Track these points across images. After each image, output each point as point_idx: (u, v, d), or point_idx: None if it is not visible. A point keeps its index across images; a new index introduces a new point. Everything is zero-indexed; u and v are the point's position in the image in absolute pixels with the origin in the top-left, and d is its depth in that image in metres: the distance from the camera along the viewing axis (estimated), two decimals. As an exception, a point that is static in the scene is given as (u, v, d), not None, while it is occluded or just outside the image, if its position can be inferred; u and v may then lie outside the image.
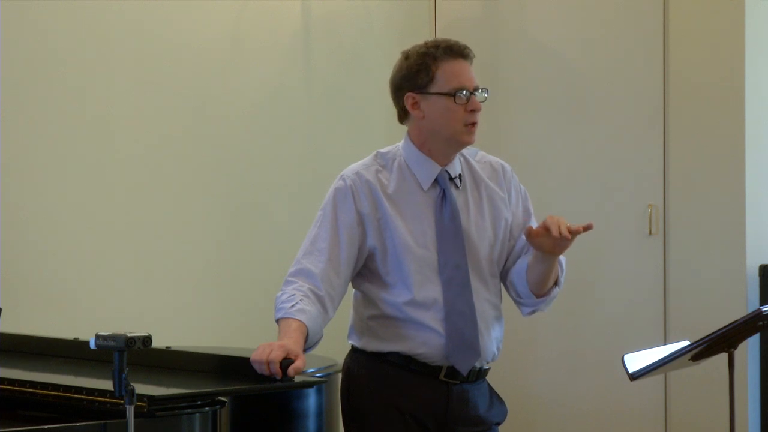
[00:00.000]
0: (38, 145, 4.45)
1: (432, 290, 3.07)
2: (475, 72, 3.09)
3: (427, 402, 3.08)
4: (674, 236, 5.25)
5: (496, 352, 3.17)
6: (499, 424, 3.21)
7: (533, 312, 3.22)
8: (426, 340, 3.06)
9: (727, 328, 3.00)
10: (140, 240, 4.72)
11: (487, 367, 3.17)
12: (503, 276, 3.22)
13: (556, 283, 3.16)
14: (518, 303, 3.23)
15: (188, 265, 4.88)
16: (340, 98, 5.40)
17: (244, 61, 5.09)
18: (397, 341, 3.07)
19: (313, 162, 5.21)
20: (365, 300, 3.13)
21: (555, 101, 5.46)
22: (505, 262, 3.21)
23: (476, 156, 3.22)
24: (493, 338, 3.14)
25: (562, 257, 3.14)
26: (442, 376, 3.08)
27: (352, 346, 3.19)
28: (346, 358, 3.21)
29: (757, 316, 2.99)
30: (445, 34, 5.48)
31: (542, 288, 3.13)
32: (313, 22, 5.31)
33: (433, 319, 3.06)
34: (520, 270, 3.16)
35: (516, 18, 5.53)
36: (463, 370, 3.08)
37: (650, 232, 5.27)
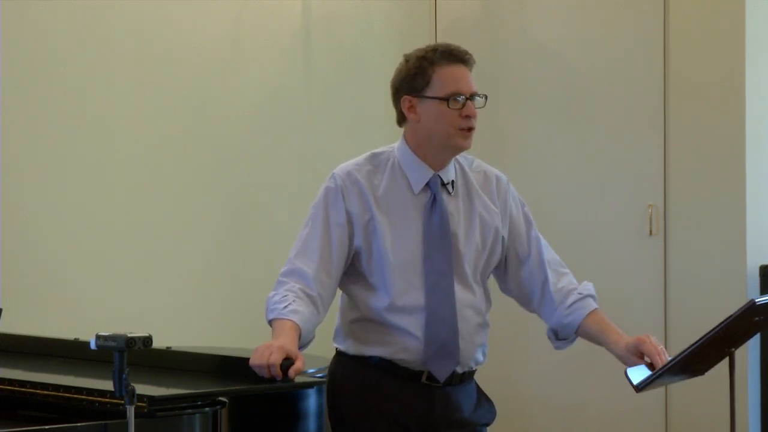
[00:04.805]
0: (38, 145, 4.45)
1: (414, 295, 3.04)
2: (476, 72, 3.07)
3: (410, 405, 3.06)
4: (674, 236, 5.25)
5: (482, 358, 3.15)
6: (487, 425, 3.19)
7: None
8: (406, 346, 3.04)
9: (722, 325, 2.95)
10: (140, 240, 4.72)
11: (473, 369, 3.15)
12: (513, 281, 3.21)
13: None
14: (536, 313, 3.27)
15: (188, 265, 4.88)
16: (340, 98, 5.40)
17: (244, 61, 5.09)
18: (378, 345, 3.06)
19: (313, 162, 5.20)
20: (350, 303, 3.12)
21: (555, 101, 5.45)
22: (502, 270, 3.20)
23: (472, 165, 3.19)
24: (476, 345, 3.11)
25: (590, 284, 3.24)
26: (424, 380, 3.06)
27: (337, 349, 3.18)
28: (331, 361, 3.21)
29: (750, 308, 2.93)
30: (445, 34, 5.48)
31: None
32: (313, 22, 5.31)
33: (413, 324, 3.03)
34: (566, 318, 3.19)
35: (516, 18, 5.53)
36: (441, 377, 3.06)
37: (650, 233, 5.27)
